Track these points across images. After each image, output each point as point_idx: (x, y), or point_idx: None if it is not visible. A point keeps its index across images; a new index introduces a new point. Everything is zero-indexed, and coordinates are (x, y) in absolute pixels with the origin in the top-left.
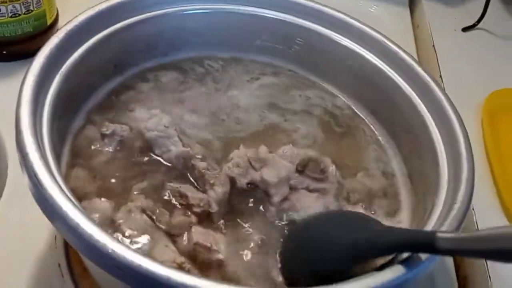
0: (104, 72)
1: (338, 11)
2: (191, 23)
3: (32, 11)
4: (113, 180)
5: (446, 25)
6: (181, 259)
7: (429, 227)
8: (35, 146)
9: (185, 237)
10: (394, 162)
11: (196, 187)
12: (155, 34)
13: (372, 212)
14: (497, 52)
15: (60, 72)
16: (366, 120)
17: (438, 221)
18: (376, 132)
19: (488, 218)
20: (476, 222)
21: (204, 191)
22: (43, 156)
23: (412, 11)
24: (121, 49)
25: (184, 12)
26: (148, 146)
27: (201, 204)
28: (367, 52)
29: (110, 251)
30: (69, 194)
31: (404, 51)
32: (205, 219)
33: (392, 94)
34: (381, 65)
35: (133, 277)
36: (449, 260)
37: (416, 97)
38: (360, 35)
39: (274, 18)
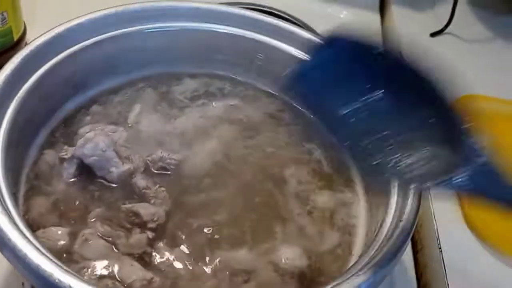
0: (63, 93)
1: (296, 26)
2: (152, 42)
3: None
4: (71, 207)
5: (415, 30)
6: (150, 274)
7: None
8: None
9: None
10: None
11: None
12: (115, 54)
13: None
14: (465, 57)
15: (16, 98)
16: None
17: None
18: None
19: (450, 227)
20: (437, 230)
21: None
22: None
23: (382, 16)
24: (79, 69)
25: (145, 31)
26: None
27: (155, 219)
28: None
29: (56, 280)
30: (21, 225)
31: None
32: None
33: None
34: None
35: None
36: (409, 266)
37: None
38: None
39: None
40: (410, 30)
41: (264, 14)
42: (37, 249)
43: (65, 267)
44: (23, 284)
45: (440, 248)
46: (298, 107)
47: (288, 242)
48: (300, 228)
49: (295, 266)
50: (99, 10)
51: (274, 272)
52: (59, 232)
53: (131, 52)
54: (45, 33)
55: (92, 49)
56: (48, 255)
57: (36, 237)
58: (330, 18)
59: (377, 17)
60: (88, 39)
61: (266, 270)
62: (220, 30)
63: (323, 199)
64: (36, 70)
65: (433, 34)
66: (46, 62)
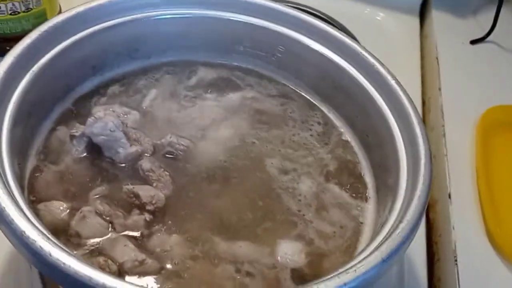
0: (81, 73)
1: (319, 20)
2: (173, 28)
3: (31, 9)
4: (76, 183)
5: (454, 37)
6: (142, 256)
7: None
8: None
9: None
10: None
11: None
12: (136, 37)
13: None
14: (504, 67)
15: (31, 71)
16: (341, 130)
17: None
18: (351, 143)
19: (470, 241)
20: (455, 243)
21: None
22: (2, 176)
23: (422, 21)
24: (98, 50)
25: (166, 17)
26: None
27: (153, 202)
28: (346, 63)
29: (47, 254)
30: (20, 201)
31: (381, 63)
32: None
33: (367, 106)
34: (359, 78)
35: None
36: (423, 279)
37: (389, 112)
38: (339, 45)
39: (256, 25)
40: (449, 36)
41: (288, 6)
42: (32, 223)
43: (57, 242)
44: (31, 267)
45: (456, 260)
46: (316, 104)
47: (290, 238)
48: (306, 225)
49: (294, 261)
50: None
51: (272, 268)
52: (60, 207)
53: (152, 37)
54: (65, 11)
55: (111, 31)
56: (43, 229)
57: (37, 210)
58: (366, 19)
59: (416, 21)
60: (108, 20)
61: (263, 264)
62: (241, 20)
63: (331, 196)
64: (53, 47)
65: (473, 42)
66: (63, 40)
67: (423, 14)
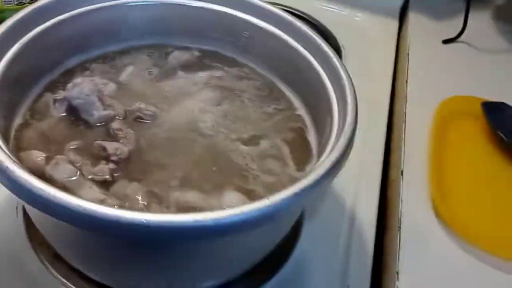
0: (67, 49)
1: (279, 9)
2: (151, 14)
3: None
4: (54, 138)
5: (429, 37)
6: (103, 196)
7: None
8: None
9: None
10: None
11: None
12: (116, 21)
13: None
14: (470, 64)
15: (19, 42)
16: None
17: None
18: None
19: (415, 213)
20: (401, 212)
21: None
22: None
23: (401, 24)
24: (82, 31)
25: (145, 3)
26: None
27: (117, 153)
28: (300, 46)
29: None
30: (5, 150)
31: (326, 44)
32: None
33: (312, 80)
34: (309, 58)
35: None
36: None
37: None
38: (292, 29)
39: (224, 12)
40: (424, 36)
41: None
42: (15, 162)
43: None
44: (16, 208)
45: (399, 228)
46: (275, 82)
47: (237, 189)
48: (252, 178)
49: None
50: None
51: None
52: (38, 155)
53: (132, 21)
54: None
55: (94, 14)
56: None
57: (19, 157)
58: (345, 20)
59: (395, 24)
60: (92, 4)
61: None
62: (211, 8)
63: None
64: (41, 24)
65: (445, 41)
66: (51, 19)
67: (402, 17)
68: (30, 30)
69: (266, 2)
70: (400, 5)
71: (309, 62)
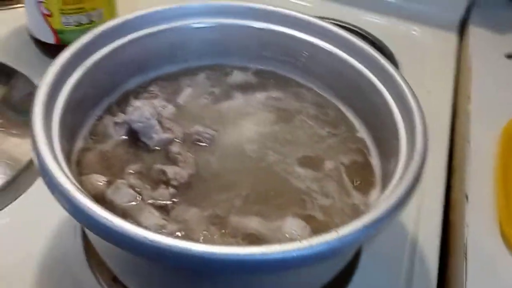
0: (128, 71)
1: (339, 28)
2: (209, 36)
3: (94, 21)
4: (114, 161)
5: (491, 51)
6: (164, 222)
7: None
8: (44, 134)
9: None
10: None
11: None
12: (176, 43)
13: None
14: None
15: (83, 66)
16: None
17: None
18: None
19: (482, 239)
20: (467, 239)
21: None
22: (50, 142)
23: (460, 37)
24: (144, 53)
25: (203, 25)
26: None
27: (177, 178)
28: (362, 66)
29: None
30: (69, 174)
31: (389, 63)
32: (183, 189)
33: (377, 103)
34: (373, 79)
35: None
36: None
37: (397, 110)
38: (354, 48)
39: (283, 32)
40: (486, 50)
41: (310, 15)
42: (78, 188)
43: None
44: (75, 227)
45: (466, 254)
46: (335, 103)
47: (297, 215)
48: (312, 203)
49: (300, 236)
50: (166, 4)
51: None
52: (99, 179)
53: (189, 43)
54: (116, 18)
55: (155, 37)
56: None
57: (80, 181)
58: (401, 34)
59: (454, 37)
60: (152, 27)
61: (274, 236)
62: (269, 28)
63: (339, 181)
64: (104, 47)
65: (509, 56)
66: (113, 42)
67: (462, 30)
68: (92, 54)
69: (319, 17)
70: (459, 18)
71: (371, 83)
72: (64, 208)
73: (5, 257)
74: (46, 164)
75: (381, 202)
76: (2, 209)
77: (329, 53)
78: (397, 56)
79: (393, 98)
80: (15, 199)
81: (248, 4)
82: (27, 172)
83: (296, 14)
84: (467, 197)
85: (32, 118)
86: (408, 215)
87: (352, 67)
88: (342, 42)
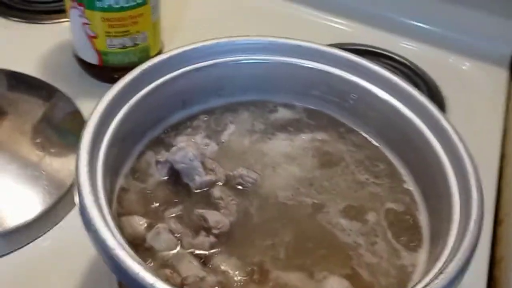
0: (172, 106)
1: (389, 72)
2: (255, 72)
3: (138, 44)
4: (156, 202)
5: None
6: (203, 273)
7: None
8: (89, 183)
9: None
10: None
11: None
12: (222, 78)
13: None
14: None
15: (128, 103)
16: (405, 179)
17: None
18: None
19: None
20: None
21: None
22: (94, 188)
23: (511, 74)
24: (189, 87)
25: (250, 61)
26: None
27: (219, 226)
28: (413, 115)
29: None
30: (107, 214)
31: (444, 116)
32: (224, 238)
33: (429, 159)
34: (422, 128)
35: None
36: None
37: (450, 169)
38: (407, 97)
39: (331, 73)
40: None
41: (361, 57)
42: (114, 236)
43: (132, 252)
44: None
45: None
46: (383, 151)
47: (339, 274)
48: (357, 262)
49: None
50: (213, 39)
51: None
52: (140, 221)
53: (235, 78)
54: (162, 53)
55: (201, 72)
56: (122, 240)
57: (120, 222)
58: (451, 68)
59: (505, 73)
60: (200, 62)
61: None
62: (317, 68)
63: (385, 240)
64: (150, 83)
65: None
66: (159, 78)
67: None
68: (138, 91)
69: (363, 45)
70: (510, 53)
71: (421, 134)
72: (105, 263)
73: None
74: (91, 219)
75: (437, 277)
76: (40, 236)
77: (378, 97)
78: (445, 91)
79: (445, 153)
80: (55, 225)
81: (295, 42)
82: (67, 198)
83: (346, 55)
84: None
85: (77, 163)
86: None
87: (400, 113)
88: (392, 86)
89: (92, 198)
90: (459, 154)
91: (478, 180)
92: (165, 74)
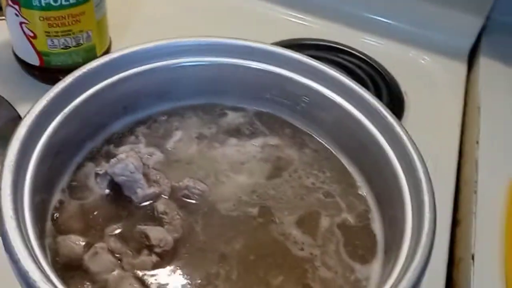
0: (113, 113)
1: (342, 75)
2: (204, 74)
3: (81, 44)
4: (95, 219)
5: (501, 87)
6: None
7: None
8: (11, 202)
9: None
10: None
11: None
12: (168, 81)
13: None
14: None
15: (62, 113)
16: (358, 185)
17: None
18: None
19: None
20: None
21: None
22: (16, 214)
23: (469, 68)
24: (131, 92)
25: (198, 63)
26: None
27: (161, 245)
28: (365, 119)
29: None
30: (33, 240)
31: (398, 122)
32: (168, 256)
33: (382, 165)
34: (375, 132)
35: None
36: None
37: (402, 174)
38: (359, 100)
39: (283, 75)
40: (496, 86)
41: (314, 60)
42: (38, 265)
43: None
44: None
45: None
46: (336, 155)
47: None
48: (311, 277)
49: None
50: (156, 40)
51: None
52: (77, 241)
53: (183, 81)
54: (100, 57)
55: (144, 75)
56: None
57: (56, 242)
58: (410, 62)
59: (463, 68)
60: (142, 65)
61: None
62: (269, 70)
63: (338, 253)
64: (86, 90)
65: None
66: (97, 84)
67: (471, 60)
68: (74, 98)
69: (321, 40)
70: (470, 46)
71: (375, 139)
72: None
73: None
74: (13, 248)
75: None
76: None
77: (330, 100)
78: (404, 86)
79: (398, 160)
80: None
81: (244, 43)
82: None
83: (298, 57)
84: (473, 258)
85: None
86: None
87: (353, 117)
88: (345, 89)
89: (15, 224)
90: (412, 162)
91: (430, 190)
92: (102, 80)
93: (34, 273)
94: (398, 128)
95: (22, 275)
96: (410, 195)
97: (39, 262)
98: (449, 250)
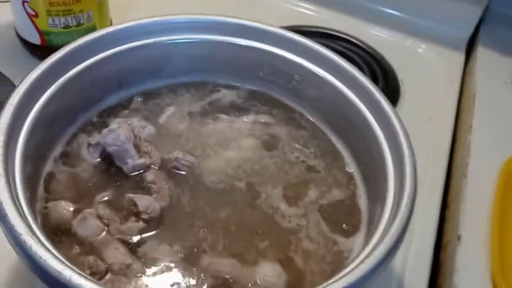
0: (107, 87)
1: (334, 53)
2: (197, 52)
3: (82, 24)
4: (85, 187)
5: (498, 76)
6: (129, 260)
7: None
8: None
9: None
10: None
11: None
12: (162, 58)
13: None
14: None
15: (56, 83)
16: (346, 161)
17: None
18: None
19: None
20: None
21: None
22: (7, 175)
23: (467, 57)
24: (125, 68)
25: (192, 41)
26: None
27: (148, 211)
28: (355, 97)
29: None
30: (24, 204)
31: (384, 98)
32: (154, 223)
33: (369, 141)
34: (364, 111)
35: None
36: None
37: (388, 152)
38: (350, 79)
39: (276, 54)
40: (492, 75)
41: (307, 39)
42: (25, 222)
43: (48, 245)
44: None
45: None
46: (326, 133)
47: (273, 260)
48: (293, 248)
49: (273, 283)
50: (148, 17)
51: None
52: (67, 207)
53: (177, 58)
54: (96, 31)
55: (139, 51)
56: (37, 229)
57: (46, 208)
58: (407, 51)
59: (461, 57)
60: (137, 41)
61: (246, 282)
62: (262, 48)
63: (324, 225)
64: (82, 62)
65: None
66: (92, 56)
67: (469, 50)
68: (68, 70)
69: (321, 27)
70: (468, 36)
71: (365, 118)
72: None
73: None
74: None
75: (366, 259)
76: None
77: (321, 79)
78: (401, 74)
79: (385, 137)
80: None
81: (238, 21)
82: None
83: (290, 35)
84: (459, 238)
85: None
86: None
87: (344, 95)
88: (336, 68)
89: (4, 180)
90: (397, 139)
91: (412, 163)
92: (97, 54)
93: (24, 233)
94: (384, 104)
95: (8, 230)
96: (394, 169)
97: (30, 225)
98: (438, 233)
